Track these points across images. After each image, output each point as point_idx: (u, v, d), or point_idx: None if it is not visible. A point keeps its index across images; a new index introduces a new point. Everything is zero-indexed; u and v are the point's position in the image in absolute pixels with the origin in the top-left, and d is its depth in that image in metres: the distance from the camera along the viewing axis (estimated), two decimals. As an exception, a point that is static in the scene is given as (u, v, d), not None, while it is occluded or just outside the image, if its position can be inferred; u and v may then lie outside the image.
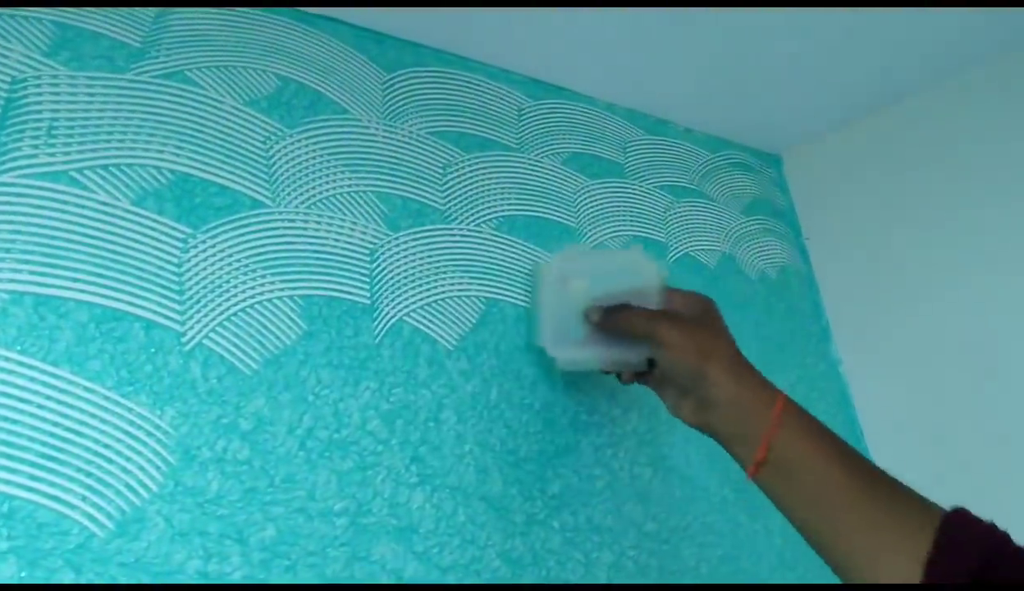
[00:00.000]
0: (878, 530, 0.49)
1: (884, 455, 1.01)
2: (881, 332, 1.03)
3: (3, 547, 0.42)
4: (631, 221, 0.88)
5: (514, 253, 0.75)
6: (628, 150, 0.93)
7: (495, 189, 0.76)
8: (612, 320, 0.64)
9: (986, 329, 0.91)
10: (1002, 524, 0.48)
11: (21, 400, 0.45)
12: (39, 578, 0.43)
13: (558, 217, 0.81)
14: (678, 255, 0.92)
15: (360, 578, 0.55)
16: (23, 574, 0.43)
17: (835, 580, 0.51)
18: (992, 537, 0.46)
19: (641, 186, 0.92)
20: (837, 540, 0.51)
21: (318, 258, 0.61)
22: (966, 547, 0.45)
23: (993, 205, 0.92)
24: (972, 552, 0.45)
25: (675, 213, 0.95)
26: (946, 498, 0.51)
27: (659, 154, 0.97)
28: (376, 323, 0.63)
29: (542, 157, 0.82)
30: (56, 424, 0.46)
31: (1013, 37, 0.90)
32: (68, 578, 0.44)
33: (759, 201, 1.08)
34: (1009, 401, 0.89)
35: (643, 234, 0.89)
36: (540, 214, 0.79)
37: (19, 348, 0.46)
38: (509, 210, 0.77)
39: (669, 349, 0.58)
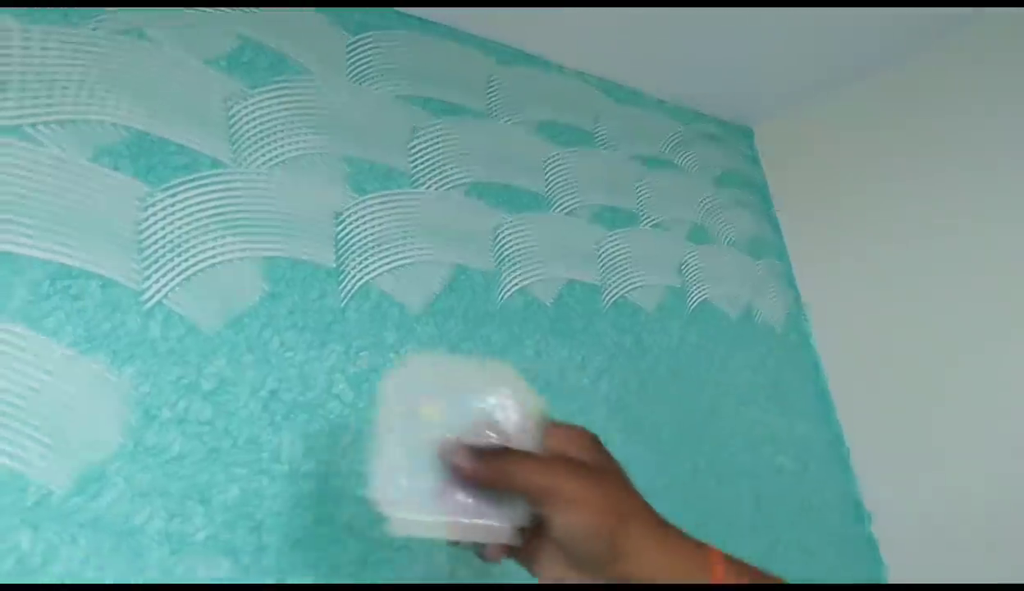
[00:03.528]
0: None
1: (854, 421, 1.02)
2: (853, 305, 1.03)
3: (-42, 503, 0.42)
4: (602, 191, 0.88)
5: (483, 220, 0.75)
6: (599, 119, 0.92)
7: (464, 155, 0.76)
8: (491, 468, 0.45)
9: (962, 300, 0.92)
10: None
11: (-27, 356, 0.44)
12: (-6, 535, 0.42)
13: (528, 185, 0.81)
14: (650, 224, 0.92)
15: (327, 538, 0.54)
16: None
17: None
18: None
19: (612, 155, 0.92)
20: None
21: (281, 220, 0.60)
22: None
23: (971, 177, 0.93)
24: None
25: (646, 183, 0.95)
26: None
27: (631, 124, 0.96)
28: (342, 286, 0.62)
29: (512, 125, 0.82)
30: (12, 380, 0.45)
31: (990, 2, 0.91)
32: (26, 535, 0.43)
33: (731, 173, 1.08)
34: (986, 376, 0.90)
35: (613, 204, 0.89)
36: (510, 182, 0.79)
37: (-29, 304, 0.45)
38: (478, 176, 0.76)
39: (576, 509, 0.43)
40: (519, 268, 0.76)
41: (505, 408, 0.49)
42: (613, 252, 0.86)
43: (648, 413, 0.82)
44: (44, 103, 0.50)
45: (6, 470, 0.44)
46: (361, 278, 0.64)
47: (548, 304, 0.77)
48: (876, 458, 1.01)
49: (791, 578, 0.45)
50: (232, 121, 0.60)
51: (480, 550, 0.48)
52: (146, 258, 0.52)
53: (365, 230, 0.65)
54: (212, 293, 0.55)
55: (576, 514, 0.43)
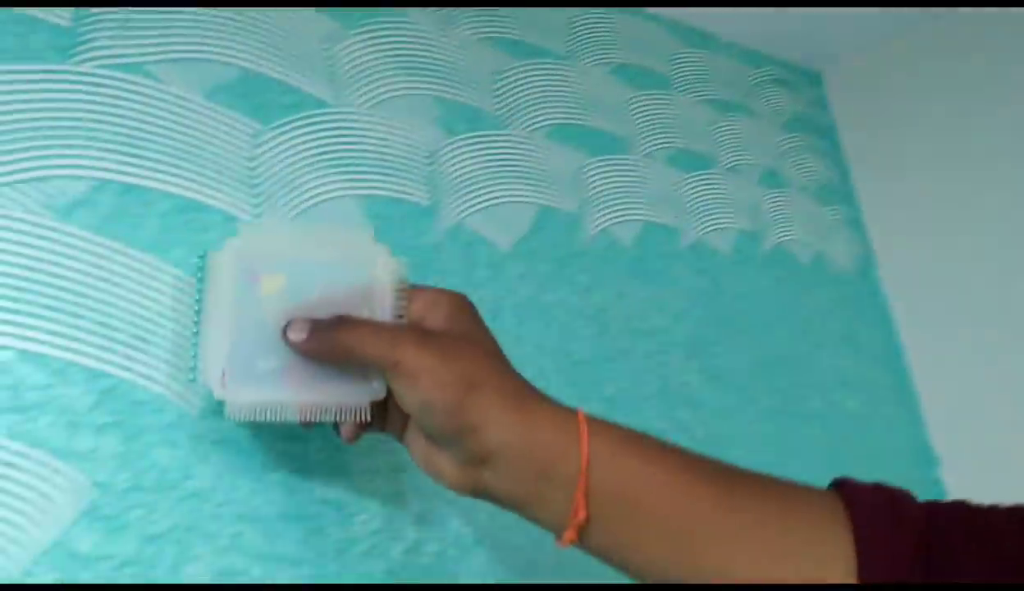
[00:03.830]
0: (770, 544, 0.39)
1: (924, 366, 1.02)
2: (923, 251, 1.03)
3: (107, 420, 0.44)
4: (678, 134, 0.88)
5: (566, 161, 0.76)
6: (673, 62, 0.92)
7: (547, 97, 0.76)
8: (327, 340, 0.42)
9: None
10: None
11: (113, 283, 0.46)
12: (139, 451, 0.45)
13: (607, 128, 0.81)
14: (724, 168, 0.92)
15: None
16: (123, 448, 0.45)
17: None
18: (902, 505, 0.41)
19: (686, 99, 0.92)
20: (718, 572, 0.39)
21: (380, 159, 0.62)
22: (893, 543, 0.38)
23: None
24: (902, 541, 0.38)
25: (719, 127, 0.94)
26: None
27: (703, 68, 0.96)
28: (436, 225, 0.64)
29: (591, 67, 0.82)
30: (146, 307, 0.47)
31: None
32: (166, 452, 0.46)
33: (800, 118, 1.07)
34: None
35: (688, 147, 0.89)
36: (590, 124, 0.79)
37: (108, 233, 0.47)
38: (560, 118, 0.77)
39: (417, 382, 0.40)
40: (601, 210, 0.77)
41: (359, 276, 0.45)
42: (690, 195, 0.86)
43: (724, 355, 0.83)
44: (162, 42, 0.52)
45: (148, 390, 0.46)
46: (454, 217, 0.65)
47: (628, 245, 0.78)
48: (945, 403, 1.01)
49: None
50: (332, 61, 0.61)
51: (335, 429, 0.46)
52: (259, 194, 0.54)
53: (456, 170, 0.67)
54: (320, 229, 0.56)
55: (415, 386, 0.40)
